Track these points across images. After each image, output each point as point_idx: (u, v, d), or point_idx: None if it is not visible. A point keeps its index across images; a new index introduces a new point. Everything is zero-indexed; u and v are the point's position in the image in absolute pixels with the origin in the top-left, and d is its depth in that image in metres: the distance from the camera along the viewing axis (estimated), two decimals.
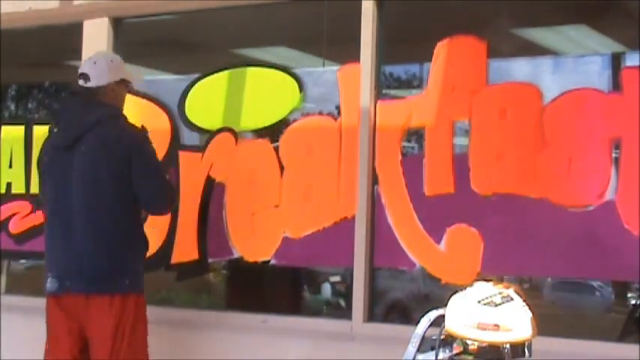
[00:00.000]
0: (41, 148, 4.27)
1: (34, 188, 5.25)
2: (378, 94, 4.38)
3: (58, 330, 3.94)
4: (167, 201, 4.17)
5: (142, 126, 4.34)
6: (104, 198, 3.92)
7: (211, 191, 4.65)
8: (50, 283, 3.94)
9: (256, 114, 4.65)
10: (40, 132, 5.28)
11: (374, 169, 4.31)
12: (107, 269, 3.90)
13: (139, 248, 4.05)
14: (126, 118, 4.13)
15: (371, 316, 4.32)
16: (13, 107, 6.16)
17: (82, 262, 3.88)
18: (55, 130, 4.12)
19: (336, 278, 6.12)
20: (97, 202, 3.91)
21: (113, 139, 3.95)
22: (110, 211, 3.92)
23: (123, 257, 3.95)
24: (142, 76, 4.37)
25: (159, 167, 4.18)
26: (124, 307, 3.87)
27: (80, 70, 4.13)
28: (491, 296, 2.41)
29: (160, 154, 4.74)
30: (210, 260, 4.72)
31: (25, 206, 5.26)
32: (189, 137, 4.83)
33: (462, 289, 2.48)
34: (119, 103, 4.17)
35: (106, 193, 3.92)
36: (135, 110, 4.95)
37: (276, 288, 5.46)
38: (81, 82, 4.10)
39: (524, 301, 2.43)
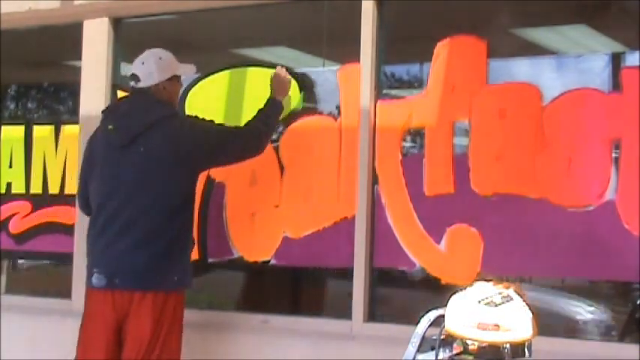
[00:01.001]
0: (88, 146, 4.25)
1: (34, 188, 5.26)
2: (378, 94, 4.38)
3: (97, 326, 3.96)
4: (257, 142, 4.21)
5: None
6: (157, 198, 3.96)
7: (211, 191, 4.65)
8: (97, 279, 3.97)
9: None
10: (40, 132, 5.29)
11: (374, 169, 4.31)
12: (159, 268, 3.94)
13: (187, 247, 4.10)
14: (179, 115, 4.22)
15: (371, 316, 4.32)
16: (13, 107, 6.15)
17: (134, 261, 3.92)
18: (110, 127, 4.09)
19: (336, 278, 6.10)
20: (151, 203, 3.96)
21: (169, 142, 3.98)
22: (165, 212, 3.96)
23: (174, 256, 3.99)
24: (193, 66, 4.41)
25: (223, 128, 4.21)
26: (165, 305, 3.93)
27: (131, 71, 4.17)
28: (491, 296, 2.41)
29: None
30: (210, 260, 4.72)
31: (25, 206, 5.27)
32: None
33: (462, 289, 2.48)
34: (173, 101, 4.21)
35: (159, 193, 3.97)
36: None
37: (276, 288, 5.46)
38: (132, 82, 4.15)
39: (524, 301, 2.43)
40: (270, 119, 4.29)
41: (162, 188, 3.98)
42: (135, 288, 3.92)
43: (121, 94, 5.00)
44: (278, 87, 4.38)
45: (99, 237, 4.05)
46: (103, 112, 4.29)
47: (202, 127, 4.14)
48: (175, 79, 4.21)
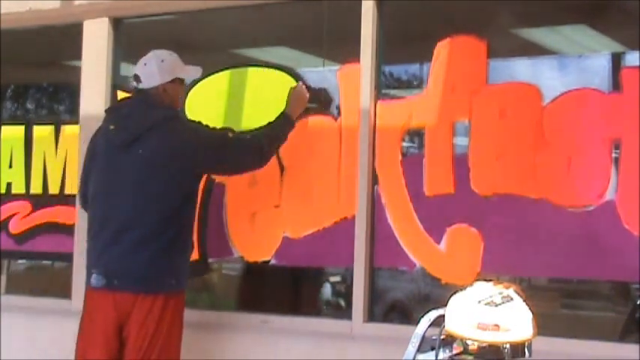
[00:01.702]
0: (90, 144, 4.27)
1: (34, 188, 5.26)
2: (378, 94, 4.38)
3: (97, 325, 3.97)
4: (257, 155, 4.17)
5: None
6: (156, 200, 3.96)
7: (211, 191, 4.65)
8: (95, 280, 3.97)
9: (256, 114, 4.64)
10: (40, 132, 5.29)
11: (374, 169, 4.31)
12: (156, 271, 3.95)
13: (186, 249, 4.10)
14: (180, 118, 4.21)
15: (371, 316, 4.32)
16: (13, 107, 6.16)
17: (132, 262, 3.92)
18: (111, 127, 4.10)
19: (336, 278, 6.11)
20: (150, 204, 3.96)
21: (169, 144, 3.98)
22: (161, 212, 3.96)
23: (172, 259, 3.99)
24: (199, 68, 4.41)
25: (226, 135, 4.17)
26: (165, 307, 3.92)
27: (133, 71, 4.18)
28: (491, 296, 2.41)
29: None
30: (210, 260, 4.72)
31: (25, 206, 5.26)
32: None
33: (462, 289, 2.48)
34: (174, 103, 4.19)
35: (159, 195, 3.96)
36: None
37: (276, 288, 5.46)
38: (133, 83, 4.16)
39: (524, 301, 2.43)
40: (279, 136, 4.26)
41: (160, 189, 3.97)
42: (134, 290, 3.92)
43: (120, 94, 5.00)
44: (295, 103, 4.34)
45: (98, 237, 4.05)
46: (106, 111, 4.30)
47: (204, 132, 4.13)
48: (177, 81, 4.20)
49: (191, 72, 4.35)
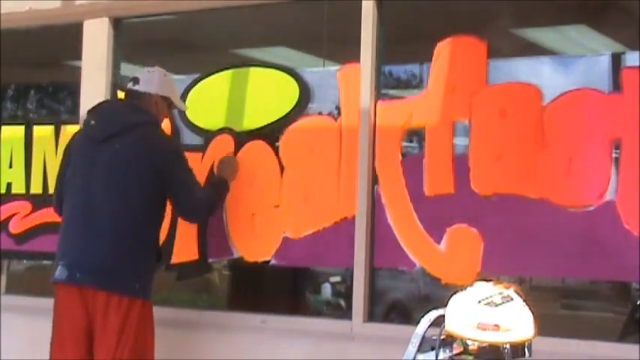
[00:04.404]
0: (72, 138, 4.30)
1: (35, 188, 5.26)
2: (378, 94, 4.38)
3: (66, 321, 3.96)
4: (205, 213, 4.27)
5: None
6: (129, 199, 3.96)
7: None
8: (59, 272, 3.97)
9: (256, 114, 4.65)
10: (40, 132, 5.29)
11: (374, 169, 4.31)
12: (119, 269, 3.92)
13: (152, 258, 4.08)
14: (163, 130, 4.23)
15: (371, 316, 4.32)
16: (13, 107, 6.16)
17: (96, 256, 3.91)
18: (92, 122, 4.12)
19: (336, 278, 6.11)
20: (122, 202, 3.95)
21: (150, 144, 4.01)
22: (132, 213, 3.96)
23: (136, 261, 3.97)
24: (185, 105, 4.54)
25: (196, 180, 4.20)
26: (130, 310, 3.89)
27: (133, 75, 4.21)
28: (491, 296, 2.41)
29: None
30: (210, 260, 4.72)
31: (25, 206, 5.26)
32: (189, 137, 4.83)
33: (462, 289, 2.48)
34: (159, 117, 4.22)
35: (132, 196, 3.96)
36: None
37: (277, 288, 5.46)
38: (130, 84, 4.18)
39: (524, 301, 2.43)
40: (220, 196, 4.35)
41: (130, 188, 3.96)
42: (94, 285, 3.89)
43: (121, 94, 5.00)
44: (225, 171, 4.43)
45: (67, 229, 4.05)
46: (88, 111, 4.29)
47: (182, 158, 4.13)
48: (168, 101, 4.25)
49: (180, 104, 4.42)
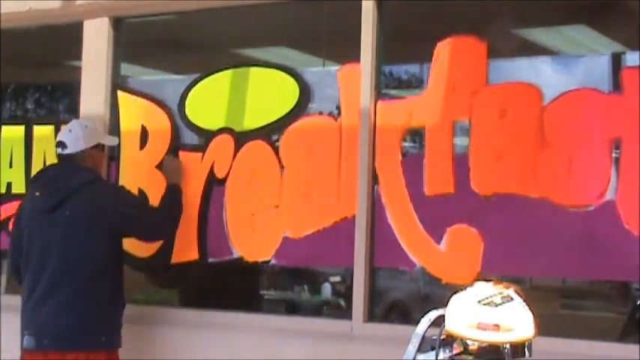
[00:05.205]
0: (17, 212, 4.47)
1: None
2: (378, 94, 4.38)
3: None
4: (165, 229, 4.48)
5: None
6: (84, 260, 4.14)
7: (211, 191, 4.65)
8: (27, 341, 4.15)
9: (256, 114, 4.65)
10: (40, 132, 5.29)
11: (374, 169, 4.31)
12: (85, 328, 4.09)
13: (116, 306, 4.25)
14: (103, 181, 4.45)
15: (371, 316, 4.32)
16: (13, 107, 6.16)
17: (59, 320, 4.08)
18: (37, 194, 4.27)
19: (336, 278, 6.12)
20: (77, 264, 4.13)
21: (97, 205, 4.18)
22: (89, 272, 4.13)
23: (101, 316, 4.14)
24: (115, 137, 4.74)
25: (142, 204, 4.48)
26: None
27: (57, 139, 4.36)
28: (491, 296, 2.41)
29: (160, 154, 4.75)
30: (210, 260, 4.71)
31: None
32: (189, 137, 4.83)
33: (462, 289, 2.48)
34: (97, 166, 4.42)
35: (86, 255, 4.14)
36: (135, 111, 4.96)
37: (276, 288, 5.47)
38: (59, 149, 4.33)
39: (524, 301, 2.43)
40: (175, 204, 4.49)
41: (87, 249, 4.14)
42: (64, 347, 4.05)
43: (120, 94, 5.01)
44: (172, 174, 4.58)
45: (29, 299, 4.22)
46: (30, 180, 4.50)
47: (123, 197, 4.38)
48: (100, 147, 4.41)
49: (110, 140, 4.60)
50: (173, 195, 4.50)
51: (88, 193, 4.18)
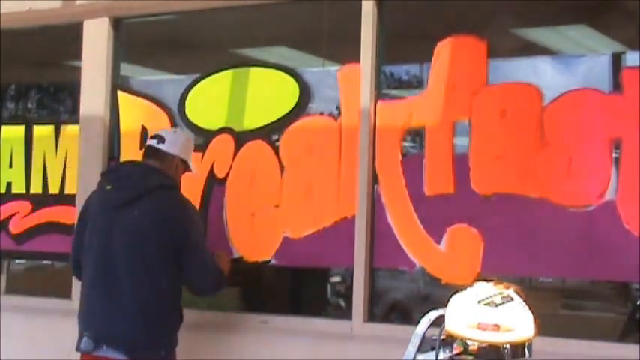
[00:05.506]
0: (84, 205, 4.21)
1: (34, 188, 5.26)
2: (378, 94, 4.38)
3: None
4: (215, 287, 4.16)
5: None
6: (151, 266, 3.90)
7: (211, 191, 4.65)
8: (85, 343, 3.91)
9: (256, 114, 4.65)
10: (40, 132, 5.29)
11: (374, 169, 4.31)
12: (145, 340, 3.90)
13: (176, 320, 4.05)
14: (181, 193, 4.13)
15: (371, 316, 4.32)
16: (13, 107, 6.16)
17: (123, 327, 3.87)
18: (108, 187, 4.04)
19: (336, 278, 6.11)
20: (144, 269, 3.90)
21: (167, 214, 3.95)
22: (155, 280, 3.91)
23: (162, 328, 3.96)
24: (195, 166, 4.47)
25: (208, 252, 4.12)
26: None
27: (157, 133, 4.17)
28: (491, 296, 2.41)
29: None
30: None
31: (25, 206, 5.26)
32: None
33: (462, 289, 2.48)
34: (176, 179, 4.15)
35: (153, 262, 3.91)
36: (135, 111, 4.97)
37: (276, 288, 5.46)
38: (153, 142, 4.12)
39: (524, 301, 2.43)
40: (224, 278, 4.19)
41: (152, 257, 3.91)
42: (121, 356, 3.85)
43: (120, 94, 5.00)
44: (222, 263, 4.26)
45: (89, 298, 4.00)
46: (101, 174, 4.25)
47: (195, 229, 4.07)
48: (187, 165, 4.21)
49: (192, 166, 4.36)
50: (224, 276, 4.22)
51: (161, 200, 3.96)
